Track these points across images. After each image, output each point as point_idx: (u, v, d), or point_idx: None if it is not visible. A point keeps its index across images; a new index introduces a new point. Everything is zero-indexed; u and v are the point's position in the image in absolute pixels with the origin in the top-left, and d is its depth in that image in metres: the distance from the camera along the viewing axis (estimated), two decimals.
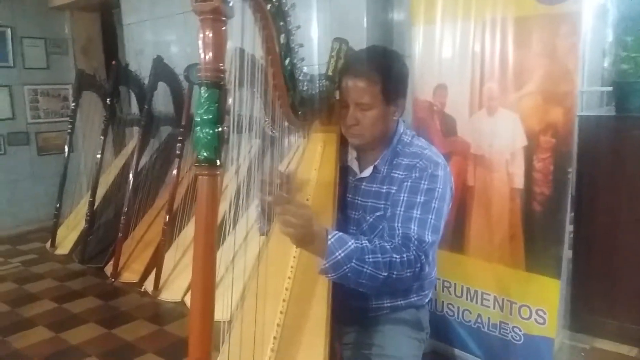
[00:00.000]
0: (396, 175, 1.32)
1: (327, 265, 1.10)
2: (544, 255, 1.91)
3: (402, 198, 1.27)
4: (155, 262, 2.72)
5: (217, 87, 0.86)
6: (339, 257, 1.10)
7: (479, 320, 2.10)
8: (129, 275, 2.87)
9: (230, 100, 2.48)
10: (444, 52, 2.13)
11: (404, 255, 1.15)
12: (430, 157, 1.31)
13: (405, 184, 1.29)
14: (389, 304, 1.36)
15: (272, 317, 1.16)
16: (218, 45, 0.85)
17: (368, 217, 1.34)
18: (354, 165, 1.42)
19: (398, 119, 1.39)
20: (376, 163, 1.36)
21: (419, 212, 1.23)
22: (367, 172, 1.38)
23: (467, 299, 2.13)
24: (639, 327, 2.27)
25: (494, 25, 1.95)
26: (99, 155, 3.31)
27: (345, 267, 1.10)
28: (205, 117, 0.86)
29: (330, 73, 2.00)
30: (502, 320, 2.04)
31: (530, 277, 1.95)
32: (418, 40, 2.20)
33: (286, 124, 1.35)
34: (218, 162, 0.87)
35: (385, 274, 1.12)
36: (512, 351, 2.02)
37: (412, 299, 1.38)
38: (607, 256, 2.29)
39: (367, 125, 1.32)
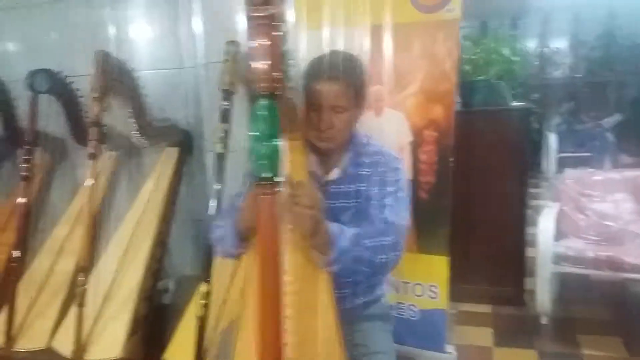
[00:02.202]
0: (363, 173, 1.38)
1: (333, 255, 1.10)
2: (433, 236, 2.14)
3: (374, 191, 1.35)
4: (2, 306, 2.25)
5: (275, 97, 0.79)
6: (342, 245, 1.12)
7: None
8: None
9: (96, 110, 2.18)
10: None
11: (389, 238, 1.23)
12: (390, 154, 1.42)
13: (373, 178, 1.37)
14: (362, 300, 1.40)
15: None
16: (275, 53, 0.78)
17: (340, 217, 1.36)
18: (318, 170, 1.42)
19: None
20: (344, 165, 1.39)
21: (390, 200, 1.32)
22: (334, 174, 1.40)
23: None
24: (490, 287, 2.71)
25: (378, 31, 2.09)
26: None
27: (347, 256, 1.14)
28: (265, 132, 0.79)
29: (228, 77, 1.92)
30: (399, 301, 2.23)
31: (421, 258, 2.16)
32: (302, 44, 2.24)
33: None
34: (278, 179, 0.80)
35: (383, 256, 1.19)
36: (409, 327, 2.22)
37: (379, 292, 1.45)
38: (463, 231, 2.66)
39: (341, 128, 1.34)
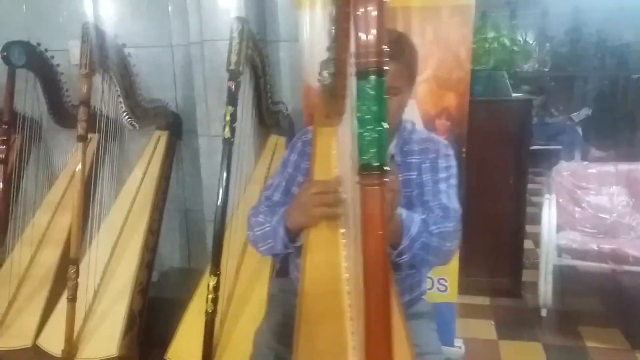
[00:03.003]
0: (412, 160, 1.30)
1: (406, 243, 1.05)
2: None
3: (426, 178, 1.27)
4: None
5: (383, 74, 0.69)
6: (414, 232, 1.06)
7: None
8: None
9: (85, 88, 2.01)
10: None
11: (451, 225, 1.18)
12: (439, 140, 1.35)
13: (424, 165, 1.29)
14: (408, 297, 1.32)
15: (343, 341, 0.99)
16: (381, 22, 0.68)
17: None
18: None
19: None
20: (393, 152, 1.30)
21: (445, 186, 1.26)
22: None
23: None
24: (488, 279, 2.69)
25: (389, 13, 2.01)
26: None
27: (416, 244, 1.08)
28: (373, 112, 0.68)
29: (235, 56, 1.80)
30: None
31: None
32: (305, 24, 2.13)
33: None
34: (386, 167, 0.70)
35: (448, 244, 1.13)
36: None
37: (423, 288, 1.38)
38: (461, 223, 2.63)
39: (395, 110, 1.25)
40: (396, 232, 1.06)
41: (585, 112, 6.35)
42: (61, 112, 2.38)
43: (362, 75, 0.68)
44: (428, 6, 1.96)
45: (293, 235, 1.17)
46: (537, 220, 3.06)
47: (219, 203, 1.78)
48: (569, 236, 2.42)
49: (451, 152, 1.34)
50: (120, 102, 2.16)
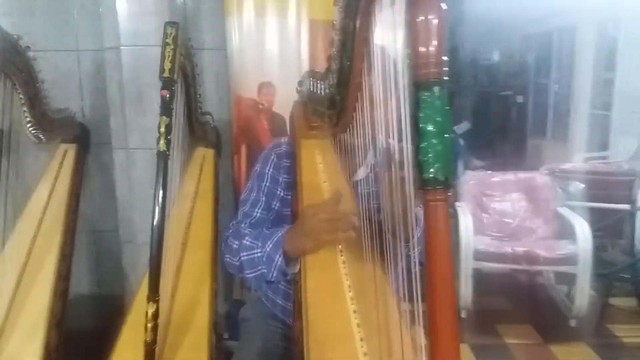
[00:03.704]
0: None
1: (419, 234, 1.01)
2: None
3: None
4: None
5: (445, 84, 0.67)
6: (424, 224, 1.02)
7: None
8: None
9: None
10: (267, 47, 2.05)
11: None
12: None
13: None
14: None
15: None
16: (441, 32, 0.66)
17: None
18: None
19: None
20: (372, 162, 1.27)
21: None
22: (362, 174, 1.27)
23: None
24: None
25: (319, 25, 2.01)
26: None
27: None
28: (438, 124, 0.66)
29: (169, 63, 1.69)
30: None
31: None
32: (234, 32, 2.05)
33: None
34: (451, 183, 0.68)
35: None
36: None
37: None
38: None
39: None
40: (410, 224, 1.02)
41: (465, 125, 6.89)
42: None
43: (423, 86, 0.65)
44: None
45: (292, 261, 1.10)
46: None
47: (155, 223, 1.62)
48: (484, 240, 2.59)
49: None
50: (24, 111, 1.92)
